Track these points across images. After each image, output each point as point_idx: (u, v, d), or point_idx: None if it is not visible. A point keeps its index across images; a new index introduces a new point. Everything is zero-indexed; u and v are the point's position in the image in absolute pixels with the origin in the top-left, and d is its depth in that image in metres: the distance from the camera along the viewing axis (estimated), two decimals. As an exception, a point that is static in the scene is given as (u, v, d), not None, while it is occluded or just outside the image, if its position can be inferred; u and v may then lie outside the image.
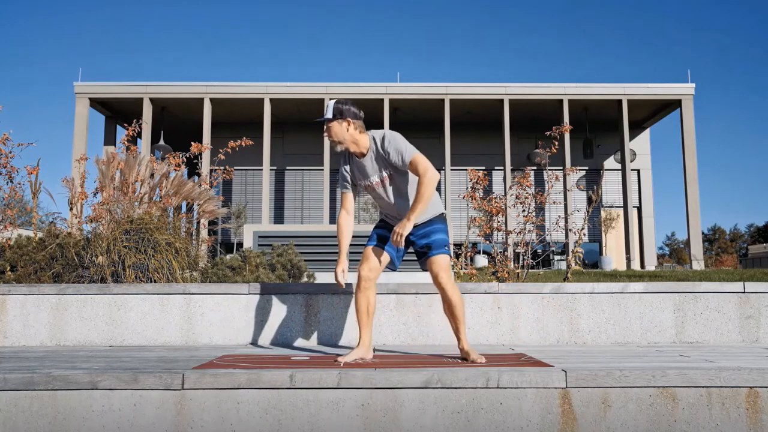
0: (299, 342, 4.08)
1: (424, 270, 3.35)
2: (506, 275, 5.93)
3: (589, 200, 19.42)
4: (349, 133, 3.26)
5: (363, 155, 3.30)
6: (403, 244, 3.21)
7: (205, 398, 2.67)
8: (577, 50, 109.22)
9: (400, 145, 3.20)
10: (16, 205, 6.10)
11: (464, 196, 6.55)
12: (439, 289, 3.26)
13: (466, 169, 16.52)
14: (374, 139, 3.29)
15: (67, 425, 2.66)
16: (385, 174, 3.28)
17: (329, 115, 3.24)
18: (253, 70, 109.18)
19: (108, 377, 2.68)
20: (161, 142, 19.17)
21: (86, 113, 18.35)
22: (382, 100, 18.41)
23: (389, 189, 3.32)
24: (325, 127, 3.31)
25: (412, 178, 3.28)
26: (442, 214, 3.43)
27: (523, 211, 6.24)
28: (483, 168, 19.81)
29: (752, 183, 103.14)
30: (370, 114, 19.41)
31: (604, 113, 19.64)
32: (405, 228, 3.11)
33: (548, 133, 6.90)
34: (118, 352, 3.66)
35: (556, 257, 18.31)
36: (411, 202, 3.25)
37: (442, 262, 3.25)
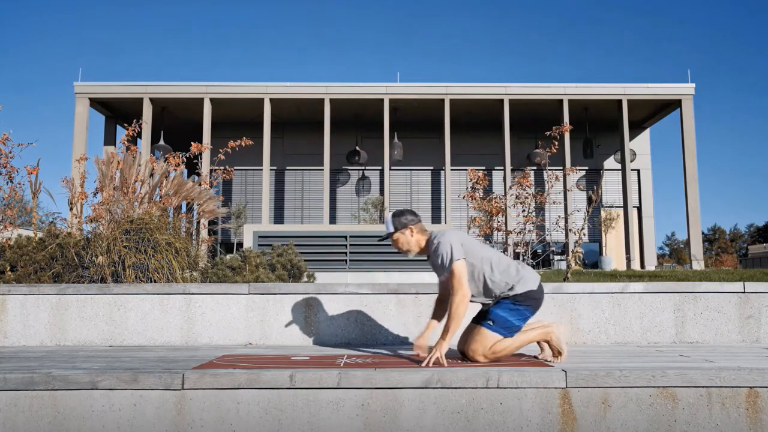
0: (299, 342, 4.08)
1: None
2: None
3: (589, 200, 19.42)
4: (414, 239, 3.35)
5: (429, 255, 3.36)
6: (443, 361, 3.03)
7: (205, 398, 2.67)
8: (577, 50, 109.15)
9: (441, 252, 3.20)
10: (16, 205, 6.10)
11: (464, 196, 6.55)
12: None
13: (466, 169, 16.51)
14: (429, 242, 3.34)
15: (67, 425, 2.66)
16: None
17: (391, 229, 3.34)
18: (253, 70, 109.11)
19: (108, 377, 2.68)
20: (161, 142, 19.15)
21: (86, 113, 18.33)
22: (382, 100, 18.39)
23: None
24: (391, 240, 3.39)
25: (485, 268, 3.24)
26: (514, 295, 3.23)
27: (523, 211, 6.24)
28: (483, 168, 19.79)
29: (752, 183, 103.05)
30: (370, 114, 19.42)
31: (604, 113, 19.62)
32: (442, 348, 3.03)
33: (548, 133, 6.91)
34: (118, 352, 3.66)
35: (556, 257, 18.30)
36: (489, 287, 3.24)
37: (481, 335, 3.18)
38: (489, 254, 3.28)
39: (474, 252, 3.24)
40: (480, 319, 3.28)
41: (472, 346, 3.14)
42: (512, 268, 3.26)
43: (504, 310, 3.19)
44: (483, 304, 3.34)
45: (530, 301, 3.22)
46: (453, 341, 3.35)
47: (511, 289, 3.21)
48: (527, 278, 3.24)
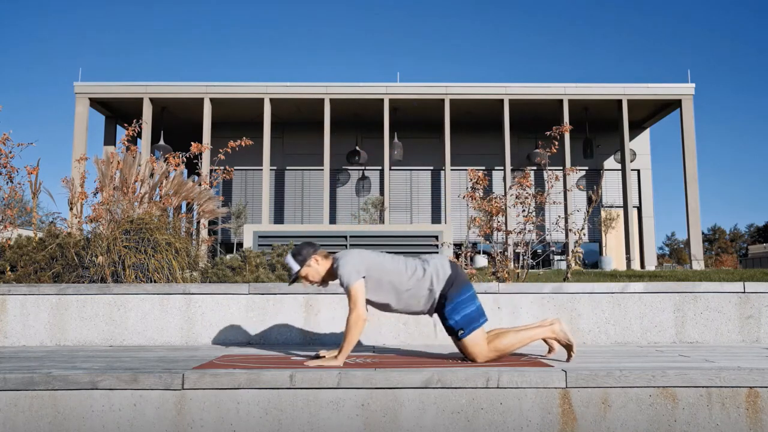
0: (299, 342, 4.08)
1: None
2: (506, 275, 5.93)
3: (589, 200, 19.41)
4: (321, 267, 3.27)
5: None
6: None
7: (205, 398, 2.67)
8: (577, 50, 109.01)
9: (342, 271, 3.13)
10: (16, 205, 6.10)
11: (464, 196, 6.54)
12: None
13: (466, 169, 16.50)
14: (332, 265, 3.25)
15: (67, 425, 2.66)
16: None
17: (297, 267, 3.25)
18: (253, 70, 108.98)
19: (108, 377, 2.68)
20: (161, 142, 19.15)
21: (86, 113, 18.32)
22: (382, 100, 18.39)
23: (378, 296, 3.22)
24: (301, 278, 3.29)
25: (402, 280, 3.18)
26: (441, 295, 3.21)
27: (523, 211, 6.23)
28: (483, 168, 19.79)
29: (752, 183, 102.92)
30: (370, 114, 19.42)
31: (604, 113, 19.61)
32: (330, 363, 2.98)
33: (548, 133, 6.90)
34: (118, 352, 3.66)
35: (556, 257, 18.30)
36: (412, 297, 3.18)
37: (469, 344, 3.14)
38: (397, 265, 3.22)
39: (384, 268, 3.18)
40: (450, 334, 3.23)
41: (472, 356, 3.13)
42: (419, 270, 3.20)
43: (453, 313, 3.15)
44: (424, 313, 3.27)
45: (456, 284, 3.19)
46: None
47: (432, 292, 3.18)
48: (437, 271, 3.19)
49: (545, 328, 3.26)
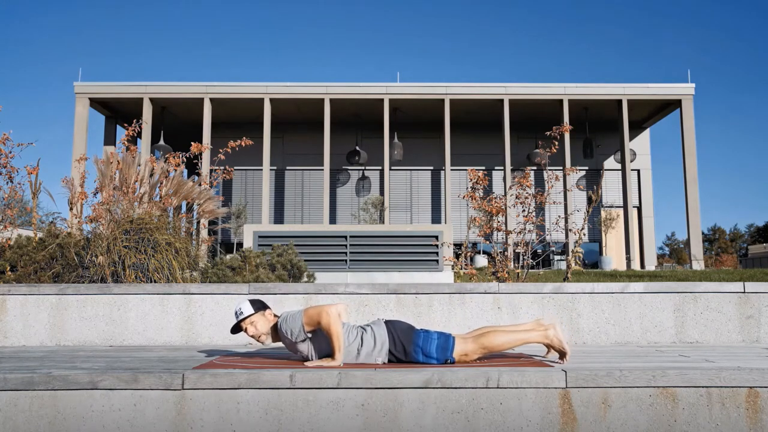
0: (299, 342, 4.08)
1: None
2: (506, 275, 5.93)
3: (589, 200, 19.41)
4: (270, 323, 3.17)
5: (282, 334, 3.16)
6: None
7: (205, 398, 2.67)
8: (577, 50, 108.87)
9: (291, 326, 3.07)
10: (16, 205, 6.10)
11: (464, 196, 6.55)
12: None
13: (466, 169, 16.51)
14: (278, 324, 3.16)
15: (67, 425, 2.66)
16: (310, 345, 3.12)
17: (251, 310, 3.13)
18: (253, 70, 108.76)
19: (108, 377, 2.68)
20: (161, 142, 19.15)
21: (86, 113, 18.33)
22: (382, 100, 18.39)
23: (319, 351, 3.12)
24: (245, 325, 3.14)
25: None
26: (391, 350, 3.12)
27: (523, 211, 6.23)
28: (483, 168, 19.79)
29: (752, 183, 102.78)
30: (370, 114, 19.41)
31: (604, 113, 19.62)
32: (327, 363, 2.96)
33: (548, 133, 6.91)
34: (118, 352, 3.66)
35: (556, 257, 18.30)
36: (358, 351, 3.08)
37: (462, 346, 3.10)
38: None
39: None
40: (444, 365, 3.12)
41: (467, 356, 3.10)
42: (357, 342, 3.10)
43: (428, 357, 3.06)
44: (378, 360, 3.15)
45: (403, 336, 3.10)
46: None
47: (380, 351, 3.08)
48: (376, 338, 3.10)
49: (539, 333, 3.19)
